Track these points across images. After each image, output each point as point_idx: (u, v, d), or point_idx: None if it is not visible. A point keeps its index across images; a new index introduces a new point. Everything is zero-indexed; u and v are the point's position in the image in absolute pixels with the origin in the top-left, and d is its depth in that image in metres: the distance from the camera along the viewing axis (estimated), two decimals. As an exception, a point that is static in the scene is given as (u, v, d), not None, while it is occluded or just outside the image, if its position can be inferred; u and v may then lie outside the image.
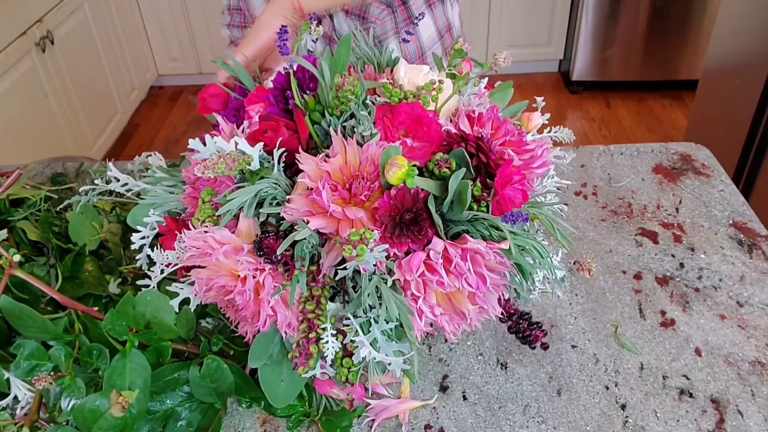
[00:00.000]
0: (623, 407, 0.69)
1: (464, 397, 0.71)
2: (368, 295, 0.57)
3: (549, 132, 0.74)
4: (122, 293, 0.79)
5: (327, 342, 0.58)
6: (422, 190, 0.57)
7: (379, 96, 0.66)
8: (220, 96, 0.75)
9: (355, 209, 0.56)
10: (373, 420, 0.68)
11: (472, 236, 0.58)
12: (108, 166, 0.80)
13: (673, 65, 2.98)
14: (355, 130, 0.61)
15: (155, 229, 0.70)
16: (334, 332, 0.59)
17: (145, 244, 0.70)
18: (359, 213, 0.56)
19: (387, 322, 0.59)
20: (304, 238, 0.56)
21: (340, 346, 0.59)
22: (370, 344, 0.58)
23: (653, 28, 2.89)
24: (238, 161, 0.56)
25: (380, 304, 0.58)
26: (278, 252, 0.56)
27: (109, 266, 0.84)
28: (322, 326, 0.58)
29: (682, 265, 0.87)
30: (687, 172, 1.04)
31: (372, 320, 0.59)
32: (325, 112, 0.64)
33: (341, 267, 0.58)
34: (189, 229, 0.60)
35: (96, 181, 0.88)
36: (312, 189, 0.57)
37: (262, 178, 0.59)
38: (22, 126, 2.11)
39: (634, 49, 2.96)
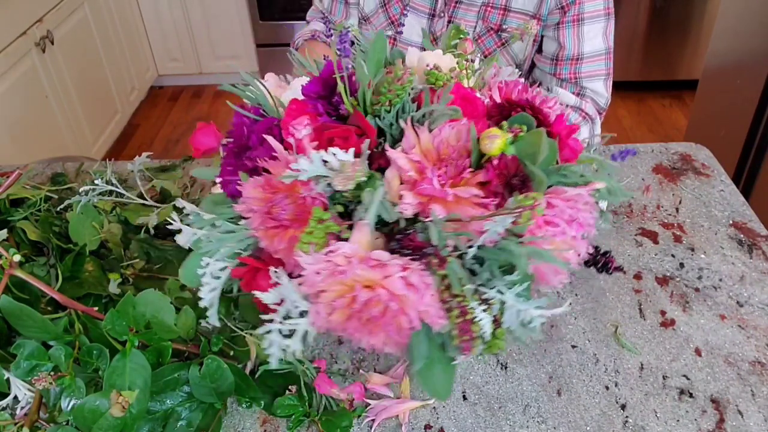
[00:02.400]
0: (623, 407, 0.69)
1: (464, 397, 0.71)
2: (496, 263, 0.60)
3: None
4: (122, 293, 0.79)
5: (481, 320, 0.59)
6: (511, 155, 0.60)
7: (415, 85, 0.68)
8: (213, 134, 0.72)
9: (466, 188, 0.59)
10: (373, 420, 0.68)
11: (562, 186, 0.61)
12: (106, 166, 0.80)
13: (673, 65, 2.98)
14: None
15: (220, 277, 0.64)
16: (484, 308, 0.60)
17: (215, 297, 0.64)
18: (472, 190, 0.59)
19: (516, 286, 0.61)
20: (436, 226, 0.58)
21: (491, 318, 0.60)
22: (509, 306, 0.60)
23: (653, 28, 2.89)
24: (356, 172, 0.57)
25: (505, 271, 0.60)
26: (419, 246, 0.58)
27: (110, 266, 0.84)
28: (470, 306, 0.59)
29: (682, 265, 0.87)
30: (687, 172, 1.04)
31: (503, 288, 0.61)
32: (368, 109, 0.65)
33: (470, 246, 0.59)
34: (276, 263, 0.59)
35: (96, 181, 0.88)
36: (412, 181, 0.59)
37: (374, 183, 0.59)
38: (22, 126, 2.11)
39: (634, 49, 2.95)
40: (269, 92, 0.71)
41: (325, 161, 0.58)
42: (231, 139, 0.72)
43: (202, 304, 0.64)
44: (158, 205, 0.92)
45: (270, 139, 0.65)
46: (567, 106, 1.05)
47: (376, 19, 1.14)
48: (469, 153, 0.61)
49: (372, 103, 0.63)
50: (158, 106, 3.23)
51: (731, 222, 0.93)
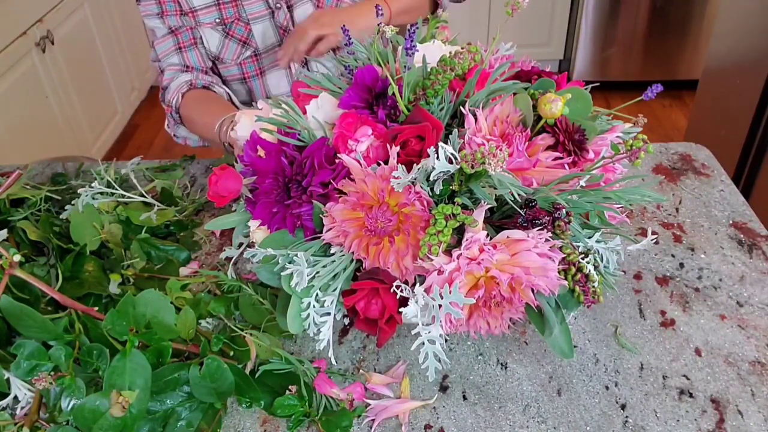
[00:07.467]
0: (623, 407, 0.69)
1: (464, 397, 0.71)
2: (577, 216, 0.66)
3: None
4: (122, 293, 0.79)
5: (590, 272, 0.64)
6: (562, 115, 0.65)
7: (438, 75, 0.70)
8: (235, 176, 0.68)
9: (551, 152, 0.63)
10: (373, 420, 0.68)
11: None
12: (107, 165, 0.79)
13: (673, 65, 2.98)
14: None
15: (330, 312, 0.65)
16: (587, 260, 0.65)
17: (330, 332, 0.66)
18: (553, 154, 0.63)
19: (596, 233, 0.67)
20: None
21: (593, 268, 0.65)
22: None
23: (653, 28, 2.89)
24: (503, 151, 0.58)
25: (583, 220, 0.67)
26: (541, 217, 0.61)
27: (111, 266, 0.84)
28: (581, 262, 0.63)
29: (682, 265, 0.87)
30: (687, 172, 1.04)
31: (584, 238, 0.67)
32: (409, 107, 0.68)
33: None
34: (387, 278, 0.62)
35: (97, 182, 0.88)
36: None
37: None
38: (22, 126, 2.11)
39: (634, 49, 2.95)
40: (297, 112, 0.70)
41: (453, 156, 0.59)
42: (254, 178, 0.70)
43: (321, 345, 0.66)
44: (160, 204, 0.92)
45: (345, 157, 0.65)
46: None
47: (227, 52, 1.14)
48: (519, 123, 0.66)
49: (411, 99, 0.67)
50: (158, 106, 3.21)
51: (731, 222, 0.93)
